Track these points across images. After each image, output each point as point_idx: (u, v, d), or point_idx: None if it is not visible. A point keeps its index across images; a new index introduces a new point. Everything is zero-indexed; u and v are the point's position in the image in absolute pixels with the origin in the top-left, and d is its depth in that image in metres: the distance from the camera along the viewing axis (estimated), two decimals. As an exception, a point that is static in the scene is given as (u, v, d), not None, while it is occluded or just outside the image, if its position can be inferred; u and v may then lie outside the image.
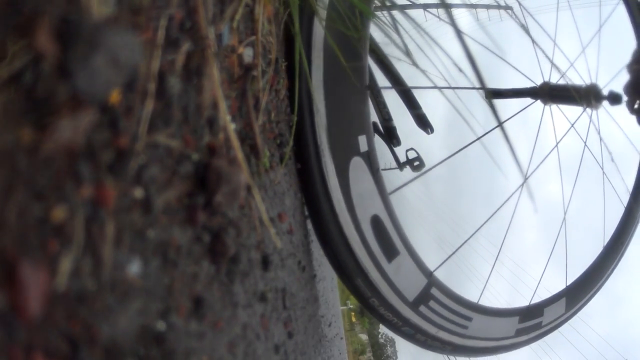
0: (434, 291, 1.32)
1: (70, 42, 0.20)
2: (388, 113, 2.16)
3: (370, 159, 1.16)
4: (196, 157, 0.39)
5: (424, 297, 1.28)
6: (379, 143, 2.35)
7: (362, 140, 1.15)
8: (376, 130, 2.32)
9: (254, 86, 0.71)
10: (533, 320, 1.59)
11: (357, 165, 1.13)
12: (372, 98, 2.14)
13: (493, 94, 1.79)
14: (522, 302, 1.68)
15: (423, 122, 2.05)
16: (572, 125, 1.75)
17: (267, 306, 0.64)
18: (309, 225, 1.31)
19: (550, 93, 1.64)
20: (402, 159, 2.17)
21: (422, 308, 1.30)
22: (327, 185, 1.09)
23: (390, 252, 1.20)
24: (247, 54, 0.72)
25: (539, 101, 1.71)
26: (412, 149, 2.20)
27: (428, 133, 2.08)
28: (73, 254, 0.21)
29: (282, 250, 0.85)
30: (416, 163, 2.19)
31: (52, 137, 0.20)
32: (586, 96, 1.59)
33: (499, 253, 1.71)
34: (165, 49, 0.35)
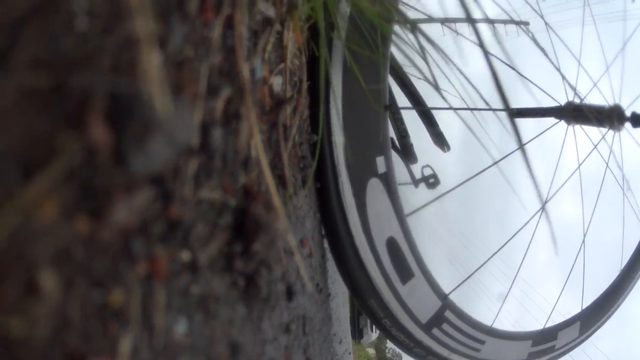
0: (448, 314, 1.30)
1: (124, 124, 0.20)
2: (405, 130, 2.16)
3: (388, 180, 1.14)
4: (233, 202, 0.39)
5: (437, 319, 1.27)
6: (394, 158, 2.33)
7: (380, 162, 1.14)
8: (393, 146, 2.31)
9: (282, 115, 0.71)
10: (546, 344, 1.57)
11: (374, 187, 1.12)
12: (390, 114, 2.13)
13: (516, 114, 1.77)
14: (535, 324, 1.66)
15: (440, 140, 2.05)
16: (595, 147, 1.73)
17: (290, 337, 0.64)
18: (325, 244, 1.30)
19: (574, 113, 1.61)
20: (418, 175, 2.17)
21: (435, 331, 1.28)
22: (343, 205, 1.07)
23: (405, 274, 1.18)
24: (277, 82, 0.71)
25: (561, 121, 1.69)
26: (427, 165, 2.20)
27: (445, 151, 2.08)
28: (132, 334, 0.21)
29: (303, 277, 0.84)
30: (431, 180, 2.18)
31: (108, 223, 0.20)
32: (609, 117, 1.56)
33: (515, 277, 1.69)
34: (207, 98, 0.35)
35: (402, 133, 2.17)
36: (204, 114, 0.34)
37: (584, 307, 1.68)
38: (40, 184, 0.15)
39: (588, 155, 1.73)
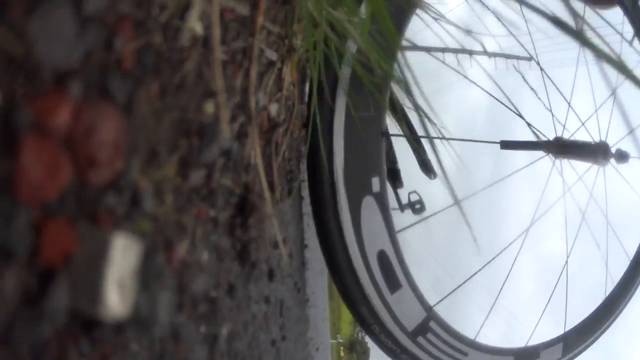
0: (433, 324, 1.47)
1: (202, 137, 0.44)
2: (394, 155, 2.38)
3: (381, 199, 1.35)
4: (238, 191, 0.63)
5: (422, 329, 1.45)
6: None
7: (375, 182, 1.35)
8: (381, 171, 2.53)
9: (276, 135, 0.95)
10: None
11: (368, 204, 1.31)
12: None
13: (506, 145, 1.96)
14: (519, 342, 1.78)
15: (427, 168, 2.24)
16: (580, 178, 1.94)
17: (269, 308, 0.87)
18: (307, 254, 1.55)
19: (561, 148, 1.81)
20: (405, 200, 2.37)
21: (420, 339, 1.45)
22: (340, 220, 1.25)
23: (393, 284, 1.37)
24: (273, 108, 0.96)
25: (548, 155, 1.90)
26: (414, 191, 2.40)
27: (431, 178, 2.27)
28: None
29: (283, 270, 1.08)
30: (417, 206, 2.39)
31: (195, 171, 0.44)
32: (595, 153, 1.78)
33: (498, 294, 1.85)
34: (232, 123, 0.59)
35: (392, 158, 2.39)
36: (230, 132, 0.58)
37: (567, 329, 1.84)
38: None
39: (574, 184, 1.92)
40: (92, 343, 0.29)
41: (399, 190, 2.45)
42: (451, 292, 1.61)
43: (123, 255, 0.27)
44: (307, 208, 2.04)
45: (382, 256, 1.33)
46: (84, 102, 0.26)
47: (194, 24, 0.45)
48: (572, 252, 1.91)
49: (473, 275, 1.63)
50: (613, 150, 1.79)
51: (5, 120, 0.21)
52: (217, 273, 0.56)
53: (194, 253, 0.47)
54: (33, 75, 0.23)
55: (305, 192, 1.79)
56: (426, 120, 1.27)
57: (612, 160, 1.81)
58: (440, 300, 1.54)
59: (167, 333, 0.42)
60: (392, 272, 1.36)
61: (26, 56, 0.22)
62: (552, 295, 1.87)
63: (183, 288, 0.45)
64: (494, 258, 1.60)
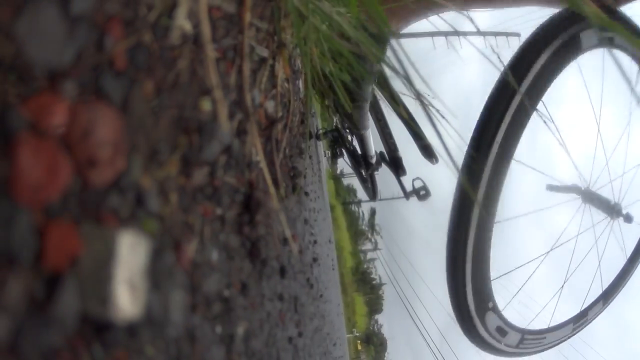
0: (526, 336, 2.11)
1: (201, 135, 0.44)
2: (394, 144, 2.41)
3: (495, 309, 1.89)
4: (243, 189, 0.62)
5: (521, 341, 2.09)
6: (386, 172, 2.61)
7: (490, 303, 1.89)
8: (383, 159, 2.58)
9: (275, 131, 0.94)
10: (581, 321, 2.38)
11: (489, 315, 1.89)
12: (379, 129, 2.39)
13: (552, 188, 2.48)
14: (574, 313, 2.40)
15: (429, 153, 2.29)
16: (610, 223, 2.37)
17: (284, 305, 0.87)
18: (317, 249, 1.54)
19: (589, 197, 2.38)
20: (409, 187, 2.49)
21: (521, 345, 2.10)
22: (477, 329, 1.86)
23: (505, 334, 2.00)
24: (270, 105, 0.95)
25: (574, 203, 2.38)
26: (418, 178, 2.48)
27: (433, 163, 2.31)
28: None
29: (294, 266, 1.07)
30: (422, 192, 2.48)
31: (198, 164, 0.43)
32: (611, 210, 2.36)
33: (561, 289, 2.39)
34: (230, 120, 0.59)
35: (392, 147, 2.43)
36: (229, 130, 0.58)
37: (604, 289, 2.45)
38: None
39: (604, 230, 2.45)
40: (105, 348, 0.29)
41: (403, 178, 2.54)
42: (537, 314, 2.28)
43: (131, 253, 0.26)
44: (312, 204, 2.04)
45: (499, 328, 1.97)
46: (79, 102, 0.25)
47: (183, 22, 0.45)
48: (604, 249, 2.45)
49: (560, 288, 2.32)
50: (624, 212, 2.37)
51: (0, 122, 0.20)
52: (228, 272, 0.55)
53: (203, 252, 0.47)
54: (26, 76, 0.22)
55: (309, 188, 1.80)
56: (428, 107, 1.31)
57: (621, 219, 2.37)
58: (530, 322, 2.19)
59: (182, 334, 0.42)
60: (504, 331, 1.99)
61: (17, 57, 0.22)
62: (596, 272, 2.43)
63: (195, 288, 0.45)
64: (563, 284, 2.32)
